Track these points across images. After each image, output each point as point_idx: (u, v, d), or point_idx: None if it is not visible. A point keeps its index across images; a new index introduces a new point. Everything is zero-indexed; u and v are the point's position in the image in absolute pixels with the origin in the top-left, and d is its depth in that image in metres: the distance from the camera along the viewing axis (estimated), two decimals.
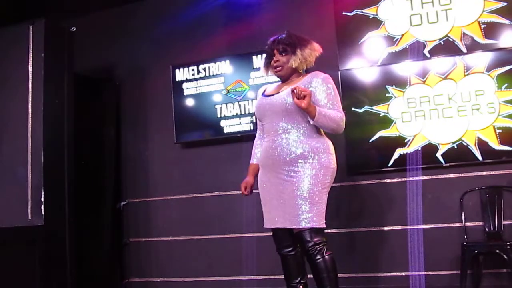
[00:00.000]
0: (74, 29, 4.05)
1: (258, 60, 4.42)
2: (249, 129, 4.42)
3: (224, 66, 4.56)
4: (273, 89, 3.01)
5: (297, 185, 2.74)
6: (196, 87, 4.62)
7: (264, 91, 3.07)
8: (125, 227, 4.92)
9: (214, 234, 4.58)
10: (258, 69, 4.39)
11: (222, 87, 4.53)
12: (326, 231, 2.82)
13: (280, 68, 2.92)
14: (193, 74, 4.64)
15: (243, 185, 3.14)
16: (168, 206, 4.77)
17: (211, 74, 4.59)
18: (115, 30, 5.09)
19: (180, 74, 4.67)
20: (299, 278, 2.95)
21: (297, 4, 4.42)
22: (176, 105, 4.66)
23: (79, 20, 4.79)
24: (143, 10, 5.02)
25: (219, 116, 4.52)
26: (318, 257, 2.71)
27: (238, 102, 4.47)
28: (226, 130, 4.49)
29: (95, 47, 5.01)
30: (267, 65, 3.03)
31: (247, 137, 4.44)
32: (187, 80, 4.65)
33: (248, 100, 4.44)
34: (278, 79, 3.04)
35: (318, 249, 2.71)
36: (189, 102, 4.64)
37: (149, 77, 4.95)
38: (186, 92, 4.64)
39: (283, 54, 2.91)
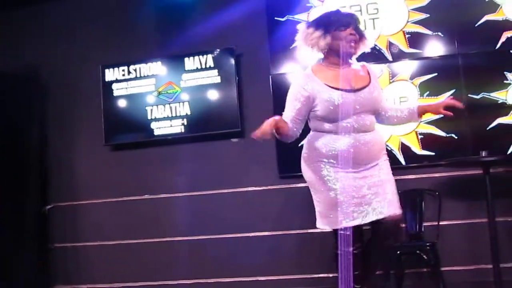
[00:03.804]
0: None
1: (190, 62, 4.40)
2: (180, 131, 4.38)
3: (156, 67, 4.49)
4: (332, 77, 2.72)
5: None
6: (126, 88, 4.53)
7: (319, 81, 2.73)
8: (50, 232, 4.73)
9: (145, 238, 4.51)
10: (190, 71, 4.38)
11: (153, 89, 4.46)
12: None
13: (355, 44, 2.74)
14: (123, 75, 4.54)
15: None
16: (96, 210, 4.63)
17: (142, 75, 4.50)
18: (42, 28, 4.87)
19: (110, 74, 4.56)
20: None
21: (230, 7, 4.42)
22: (105, 106, 4.54)
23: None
24: (72, 8, 4.84)
25: (149, 118, 4.44)
26: None
27: (169, 104, 4.41)
28: (156, 132, 4.43)
29: (20, 46, 4.82)
30: (326, 30, 2.69)
31: (178, 140, 4.43)
32: (117, 81, 4.54)
33: (179, 102, 4.39)
34: (319, 60, 2.82)
35: None
36: (119, 103, 4.54)
37: (77, 77, 4.78)
38: (116, 93, 4.53)
39: (356, 34, 2.73)
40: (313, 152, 2.78)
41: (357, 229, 2.70)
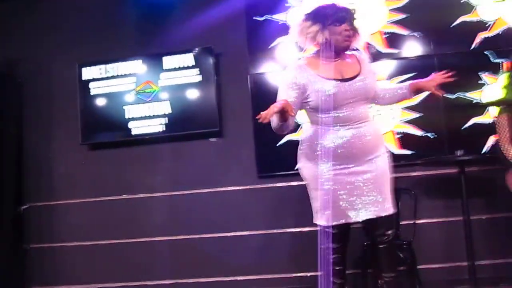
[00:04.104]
0: None
1: (169, 61, 4.37)
2: (158, 131, 4.36)
3: (134, 66, 4.45)
4: (325, 68, 2.73)
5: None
6: (104, 87, 4.48)
7: (312, 72, 2.74)
8: (26, 233, 4.65)
9: (123, 239, 4.46)
10: (169, 70, 4.35)
11: (131, 88, 4.43)
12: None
13: (349, 39, 2.74)
14: (100, 74, 4.49)
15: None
16: (73, 210, 4.57)
17: (119, 74, 4.47)
18: (19, 25, 4.79)
19: (87, 73, 4.51)
20: None
21: (209, 6, 4.40)
22: (82, 105, 4.49)
23: None
24: (49, 6, 4.77)
25: (127, 117, 4.40)
26: None
27: (147, 103, 4.38)
28: (134, 132, 4.39)
29: None
30: (320, 25, 2.71)
31: (156, 139, 4.40)
32: (94, 79, 4.49)
33: (158, 102, 4.36)
34: (311, 53, 2.84)
35: None
36: (96, 102, 4.49)
37: (54, 75, 4.72)
38: (93, 92, 4.49)
39: (351, 27, 2.74)
40: (308, 148, 2.80)
41: (348, 226, 2.77)
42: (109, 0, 4.68)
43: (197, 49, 4.36)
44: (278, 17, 4.29)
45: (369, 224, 2.76)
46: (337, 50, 2.75)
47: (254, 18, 4.31)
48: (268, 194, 4.25)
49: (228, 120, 4.35)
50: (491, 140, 3.83)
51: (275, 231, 4.23)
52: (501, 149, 3.20)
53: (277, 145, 4.17)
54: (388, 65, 4.11)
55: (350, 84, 2.70)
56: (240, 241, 4.26)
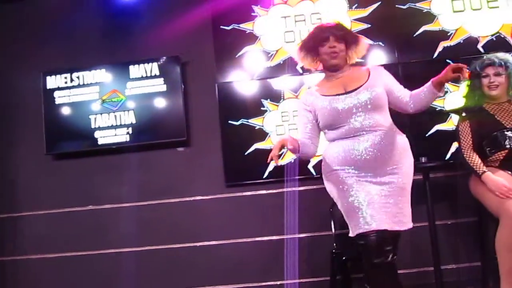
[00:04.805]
0: None
1: (135, 70, 4.33)
2: (125, 140, 4.30)
3: (100, 75, 4.39)
4: (329, 86, 2.82)
5: None
6: (69, 96, 4.40)
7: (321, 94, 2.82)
8: None
9: (89, 250, 4.38)
10: (136, 79, 4.31)
11: (97, 97, 4.37)
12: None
13: (336, 55, 2.77)
14: (66, 82, 4.41)
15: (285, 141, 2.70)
16: (37, 222, 4.46)
17: (85, 82, 4.40)
18: None
19: (52, 82, 4.42)
20: None
21: (175, 15, 4.39)
22: (46, 114, 4.39)
23: None
24: (13, 12, 4.67)
25: (93, 126, 4.34)
26: None
27: (113, 112, 4.33)
28: (100, 141, 4.32)
29: None
30: (309, 50, 2.85)
31: (123, 149, 4.34)
32: (59, 88, 4.41)
33: (124, 111, 4.32)
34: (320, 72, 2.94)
35: None
36: (61, 111, 4.41)
37: (18, 84, 4.60)
38: (58, 101, 4.40)
39: (339, 42, 2.78)
40: (326, 162, 2.82)
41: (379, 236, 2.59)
42: (75, 8, 4.61)
43: (164, 58, 4.33)
44: (245, 26, 4.31)
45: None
46: (334, 68, 2.83)
47: (221, 27, 4.32)
48: (236, 203, 4.23)
49: (195, 129, 4.33)
50: (454, 147, 3.92)
51: (243, 240, 4.21)
52: (464, 155, 3.28)
53: (245, 154, 4.17)
54: None
55: (351, 95, 2.72)
56: (208, 251, 4.23)
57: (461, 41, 4.13)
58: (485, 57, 3.39)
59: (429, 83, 2.81)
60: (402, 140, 2.83)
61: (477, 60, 3.40)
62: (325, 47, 2.78)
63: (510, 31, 4.12)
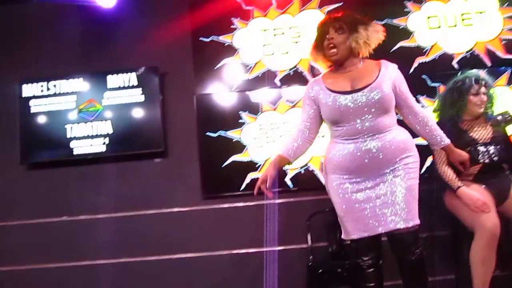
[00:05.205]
0: None
1: (113, 80, 4.30)
2: (101, 150, 4.26)
3: (77, 84, 4.35)
4: (336, 80, 2.72)
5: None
6: (45, 105, 4.35)
7: (325, 86, 2.73)
8: None
9: (63, 262, 4.30)
10: (113, 89, 4.29)
11: (74, 106, 4.32)
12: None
13: (335, 50, 2.65)
14: (42, 91, 4.36)
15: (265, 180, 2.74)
16: (10, 232, 4.36)
17: (62, 91, 4.35)
18: None
19: (28, 90, 4.36)
20: None
21: (155, 25, 4.39)
22: (21, 123, 4.33)
23: None
24: None
25: (69, 136, 4.29)
26: None
27: (90, 122, 4.29)
28: (76, 151, 4.27)
29: None
30: (318, 48, 2.75)
31: (99, 159, 4.30)
32: (35, 97, 4.35)
33: (101, 121, 4.28)
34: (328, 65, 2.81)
35: None
36: (37, 120, 4.34)
37: None
38: (33, 110, 4.34)
39: (340, 33, 2.64)
40: (327, 162, 2.78)
41: (369, 240, 2.68)
42: (53, 16, 4.55)
43: (142, 68, 4.31)
44: (225, 38, 4.32)
45: (393, 239, 2.68)
46: (338, 63, 2.72)
47: (200, 39, 4.32)
48: (213, 215, 4.21)
49: (173, 141, 4.31)
50: (429, 161, 3.97)
51: (220, 252, 4.19)
52: (438, 170, 3.33)
53: (222, 166, 4.17)
54: None
55: (357, 95, 2.61)
56: (185, 263, 4.20)
57: (437, 57, 4.21)
58: (471, 73, 3.43)
59: (445, 142, 2.81)
60: (406, 138, 2.73)
61: (464, 75, 3.44)
62: (325, 42, 2.70)
63: (484, 48, 4.21)
